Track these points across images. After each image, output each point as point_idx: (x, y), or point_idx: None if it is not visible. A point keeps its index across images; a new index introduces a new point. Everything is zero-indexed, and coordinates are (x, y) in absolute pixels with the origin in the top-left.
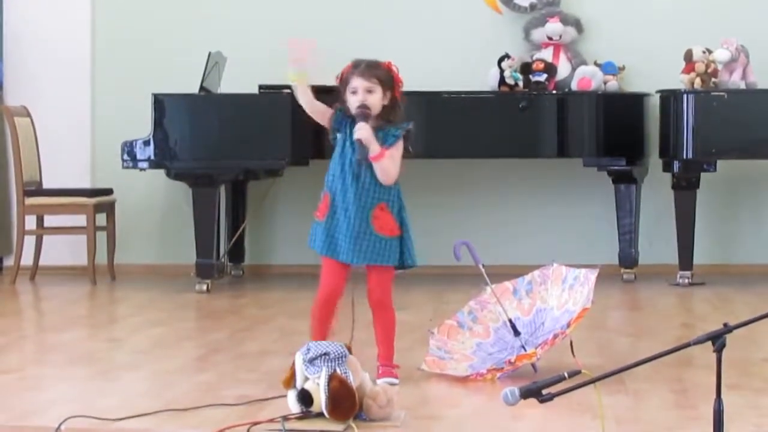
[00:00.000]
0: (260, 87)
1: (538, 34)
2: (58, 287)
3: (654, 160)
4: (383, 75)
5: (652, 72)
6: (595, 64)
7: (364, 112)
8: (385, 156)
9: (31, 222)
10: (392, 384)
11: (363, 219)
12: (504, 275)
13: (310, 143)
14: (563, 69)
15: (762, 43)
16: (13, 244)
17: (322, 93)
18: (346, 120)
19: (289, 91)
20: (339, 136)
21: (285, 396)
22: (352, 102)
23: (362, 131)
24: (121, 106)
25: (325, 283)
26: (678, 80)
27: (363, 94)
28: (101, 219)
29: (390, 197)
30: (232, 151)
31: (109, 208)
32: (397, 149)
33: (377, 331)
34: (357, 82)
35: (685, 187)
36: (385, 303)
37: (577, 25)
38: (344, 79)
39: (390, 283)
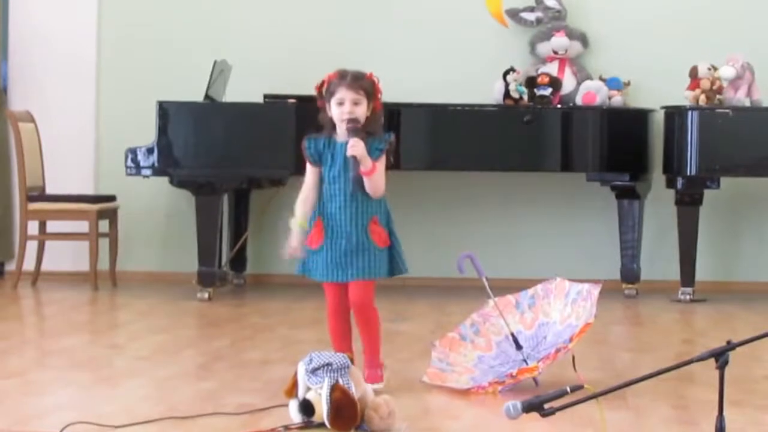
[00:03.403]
0: (265, 96)
1: (544, 48)
2: (60, 293)
3: (657, 176)
4: (368, 86)
5: (657, 88)
6: (600, 79)
7: (355, 127)
8: (375, 170)
9: (33, 227)
10: (376, 389)
11: (363, 234)
12: (507, 288)
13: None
14: (568, 83)
15: None
16: (16, 249)
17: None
18: (320, 143)
19: (293, 100)
20: (323, 161)
21: (286, 405)
22: (338, 113)
23: (357, 147)
24: (126, 113)
25: (332, 300)
26: (683, 97)
27: (350, 106)
28: (104, 225)
29: (380, 210)
30: (236, 160)
31: (112, 215)
32: (382, 162)
33: (362, 333)
34: (344, 94)
35: (688, 203)
36: (368, 304)
37: (583, 39)
38: (329, 89)
39: (373, 286)
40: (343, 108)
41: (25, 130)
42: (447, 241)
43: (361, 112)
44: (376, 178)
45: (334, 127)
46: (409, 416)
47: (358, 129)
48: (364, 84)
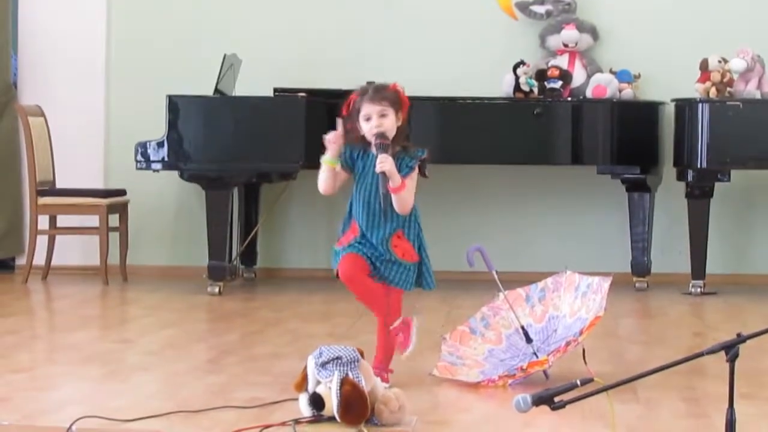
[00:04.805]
0: (275, 90)
1: (554, 41)
2: (70, 287)
3: (668, 169)
4: (392, 97)
5: (668, 81)
6: (611, 71)
7: (383, 143)
8: (404, 187)
9: (43, 222)
10: None
11: (385, 247)
12: (517, 282)
13: (324, 147)
14: (578, 76)
15: None
16: (26, 244)
17: (331, 96)
18: (355, 152)
19: (303, 94)
20: (355, 169)
21: (296, 399)
22: (367, 129)
23: (386, 164)
24: (136, 107)
25: (344, 264)
26: (693, 89)
27: (378, 119)
28: (114, 220)
29: (407, 224)
30: (246, 154)
31: (122, 209)
32: (412, 179)
33: (382, 338)
34: (369, 108)
35: (699, 196)
36: (395, 317)
37: (593, 32)
38: (354, 108)
39: (401, 300)
40: (371, 123)
41: (35, 125)
42: (456, 235)
43: (390, 123)
44: (404, 196)
45: (368, 143)
46: (419, 410)
47: (387, 145)
48: (386, 95)
